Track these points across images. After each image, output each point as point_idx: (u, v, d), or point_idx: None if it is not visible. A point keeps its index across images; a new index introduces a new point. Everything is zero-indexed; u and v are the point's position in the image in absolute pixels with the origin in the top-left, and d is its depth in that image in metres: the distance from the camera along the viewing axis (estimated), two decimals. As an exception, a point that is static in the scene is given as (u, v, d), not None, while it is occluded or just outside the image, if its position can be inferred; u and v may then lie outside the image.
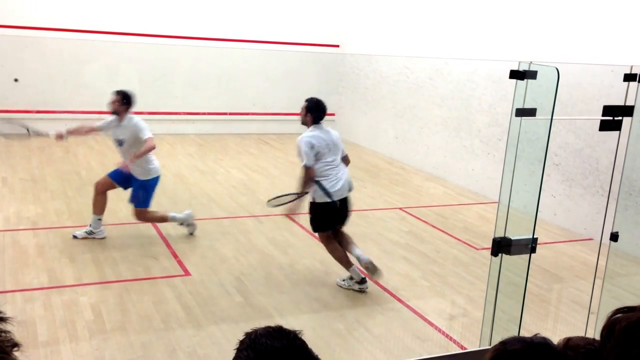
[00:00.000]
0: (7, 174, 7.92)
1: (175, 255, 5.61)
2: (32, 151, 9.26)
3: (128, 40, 10.73)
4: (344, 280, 5.14)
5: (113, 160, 9.07)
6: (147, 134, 5.81)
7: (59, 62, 10.46)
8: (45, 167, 8.41)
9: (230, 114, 11.80)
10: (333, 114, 12.57)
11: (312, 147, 4.96)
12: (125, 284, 4.95)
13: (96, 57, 10.67)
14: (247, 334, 1.43)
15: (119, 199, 7.19)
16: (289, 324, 4.35)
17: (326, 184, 4.98)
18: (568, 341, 1.63)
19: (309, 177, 4.95)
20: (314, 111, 5.07)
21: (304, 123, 5.15)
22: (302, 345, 1.41)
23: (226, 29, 11.34)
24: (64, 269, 5.16)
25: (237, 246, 5.97)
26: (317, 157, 4.97)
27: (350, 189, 5.16)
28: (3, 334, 1.00)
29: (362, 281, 5.06)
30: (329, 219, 5.08)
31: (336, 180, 5.00)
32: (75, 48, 10.49)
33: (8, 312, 1.10)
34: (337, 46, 12.28)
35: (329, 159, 5.03)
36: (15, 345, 1.02)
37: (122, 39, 10.68)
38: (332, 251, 5.11)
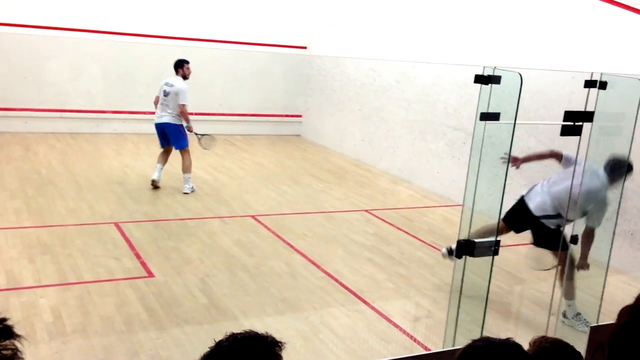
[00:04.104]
0: (-36, 172, 7.68)
1: (138, 256, 5.52)
2: (-10, 149, 9.02)
3: (92, 38, 10.52)
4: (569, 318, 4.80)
5: (75, 159, 8.92)
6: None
7: (19, 59, 10.20)
8: (4, 166, 8.19)
9: (197, 114, 11.67)
10: (300, 116, 12.58)
11: None
12: (86, 285, 4.85)
13: (58, 54, 10.43)
14: (227, 337, 1.41)
15: (81, 199, 7.06)
16: (254, 325, 4.32)
17: None
18: (537, 341, 1.67)
19: None
20: None
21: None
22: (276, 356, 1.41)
23: (193, 28, 11.23)
24: (23, 270, 5.02)
25: (202, 247, 5.91)
26: None
27: None
28: (11, 353, 0.94)
29: (577, 316, 4.78)
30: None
31: None
32: (35, 45, 10.24)
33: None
34: (305, 48, 12.29)
35: None
36: None
37: (86, 36, 10.47)
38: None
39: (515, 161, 4.92)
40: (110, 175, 8.21)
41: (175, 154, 7.83)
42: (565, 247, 4.58)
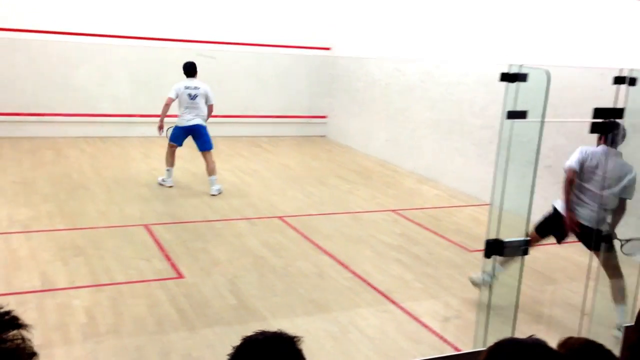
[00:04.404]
0: (-2, 177, 7.87)
1: (168, 258, 5.60)
2: (22, 154, 9.22)
3: (119, 43, 10.70)
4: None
5: (105, 163, 9.08)
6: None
7: (49, 65, 10.41)
8: (37, 170, 8.37)
9: (222, 116, 11.78)
10: (325, 117, 12.60)
11: None
12: (118, 286, 4.94)
13: (87, 59, 10.63)
14: (244, 340, 1.42)
15: (111, 202, 7.18)
16: (283, 326, 4.35)
17: None
18: (566, 341, 1.65)
19: None
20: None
21: None
22: (298, 353, 1.41)
23: (218, 32, 11.33)
24: (57, 272, 5.13)
25: (230, 249, 5.97)
26: None
27: None
28: (21, 342, 0.98)
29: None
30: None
31: None
32: (65, 51, 10.45)
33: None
34: (329, 49, 12.31)
35: None
36: (34, 354, 1.00)
37: (114, 41, 10.65)
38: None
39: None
40: (139, 178, 8.33)
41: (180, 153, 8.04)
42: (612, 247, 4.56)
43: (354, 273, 5.54)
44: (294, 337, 1.43)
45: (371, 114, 11.15)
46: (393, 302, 4.98)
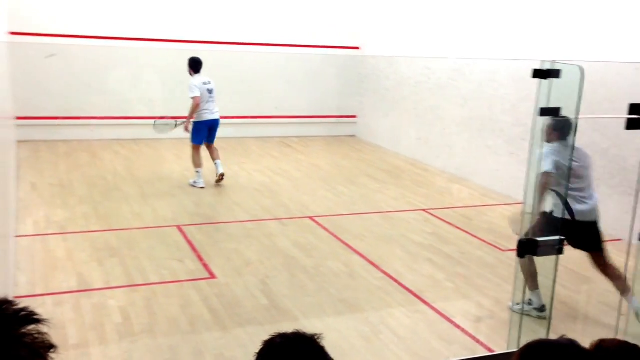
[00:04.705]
0: (36, 180, 8.06)
1: (200, 258, 5.66)
2: (59, 156, 9.43)
3: (151, 46, 10.85)
4: (518, 305, 4.65)
5: (138, 165, 9.22)
6: (190, 94, 7.97)
7: (83, 69, 10.62)
8: (73, 173, 8.55)
9: (252, 117, 11.88)
10: (354, 116, 12.58)
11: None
12: (152, 286, 5.02)
13: (119, 63, 10.81)
14: (265, 342, 1.43)
15: (145, 204, 7.30)
16: (314, 326, 4.37)
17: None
18: (600, 343, 1.62)
19: None
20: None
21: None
22: (321, 350, 1.42)
23: (246, 33, 11.41)
24: (93, 272, 5.24)
25: (262, 249, 6.01)
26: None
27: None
28: (39, 336, 1.02)
29: (542, 309, 4.63)
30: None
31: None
32: (98, 55, 10.64)
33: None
34: (358, 48, 12.28)
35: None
36: (52, 347, 1.04)
37: (144, 45, 10.81)
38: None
39: None
40: (172, 179, 8.44)
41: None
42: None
43: (384, 273, 5.52)
44: (314, 335, 1.43)
45: (401, 113, 11.10)
46: (424, 302, 4.95)
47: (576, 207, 4.59)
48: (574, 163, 4.50)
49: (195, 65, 8.14)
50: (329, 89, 12.33)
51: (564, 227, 4.26)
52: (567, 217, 4.52)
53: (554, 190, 4.52)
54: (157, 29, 10.87)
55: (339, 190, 8.38)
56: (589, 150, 5.35)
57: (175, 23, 11.01)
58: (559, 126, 4.50)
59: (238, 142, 11.12)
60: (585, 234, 4.67)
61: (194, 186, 8.04)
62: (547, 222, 4.46)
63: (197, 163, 8.10)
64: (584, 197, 4.64)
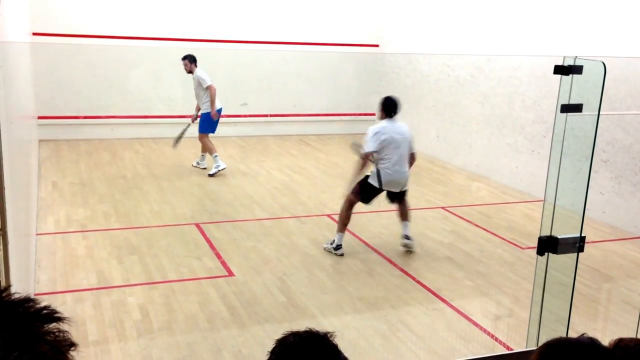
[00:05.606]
0: (57, 178, 8.16)
1: (218, 256, 5.69)
2: (80, 155, 9.54)
3: (170, 46, 10.92)
4: (330, 244, 5.83)
5: (158, 163, 9.29)
6: (204, 84, 8.63)
7: (105, 69, 10.73)
8: (94, 171, 8.64)
9: (271, 115, 11.90)
10: (373, 114, 12.53)
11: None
12: (171, 284, 5.05)
13: (140, 62, 10.90)
14: (278, 340, 1.43)
15: (164, 202, 7.35)
16: (332, 324, 4.37)
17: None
18: (619, 341, 1.59)
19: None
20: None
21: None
22: (333, 348, 1.41)
23: (265, 31, 11.43)
24: (112, 270, 5.29)
25: (280, 247, 6.01)
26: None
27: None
28: (60, 334, 1.02)
29: (337, 247, 5.74)
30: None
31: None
32: (120, 54, 10.75)
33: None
34: (377, 46, 12.23)
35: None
36: (72, 345, 1.04)
37: (165, 44, 10.88)
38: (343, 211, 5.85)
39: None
40: (190, 178, 8.49)
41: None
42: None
43: (403, 271, 5.50)
44: (327, 333, 1.42)
45: (420, 111, 11.03)
46: (443, 300, 4.91)
47: (385, 178, 5.68)
48: (395, 136, 5.67)
49: (194, 59, 8.87)
50: (348, 87, 12.31)
51: (372, 191, 5.80)
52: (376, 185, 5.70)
53: (372, 162, 5.67)
54: (177, 28, 10.94)
55: (357, 188, 8.34)
56: (611, 147, 5.31)
57: (195, 22, 11.07)
58: (386, 105, 5.90)
59: (257, 141, 11.16)
60: (391, 196, 5.94)
61: (218, 171, 8.44)
62: (362, 185, 5.79)
63: (212, 149, 8.58)
64: (395, 169, 5.71)
